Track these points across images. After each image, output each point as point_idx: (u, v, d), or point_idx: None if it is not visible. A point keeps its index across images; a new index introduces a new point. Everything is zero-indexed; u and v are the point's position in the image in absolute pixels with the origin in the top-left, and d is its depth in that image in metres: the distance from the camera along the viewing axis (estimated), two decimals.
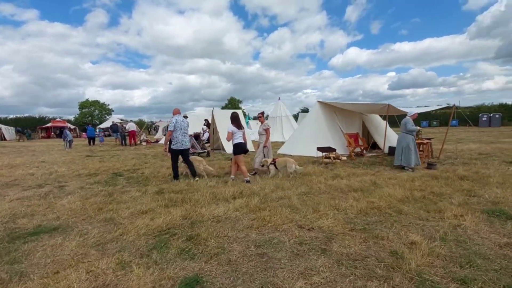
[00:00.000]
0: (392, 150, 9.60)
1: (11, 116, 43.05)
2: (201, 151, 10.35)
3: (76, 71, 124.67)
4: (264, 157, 6.84)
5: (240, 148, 5.81)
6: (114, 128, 17.31)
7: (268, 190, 5.02)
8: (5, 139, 29.08)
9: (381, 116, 11.50)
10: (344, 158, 8.98)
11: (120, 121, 31.03)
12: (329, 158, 8.58)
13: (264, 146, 6.85)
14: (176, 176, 6.12)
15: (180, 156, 6.22)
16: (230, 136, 5.81)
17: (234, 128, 5.77)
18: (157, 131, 35.13)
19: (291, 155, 10.17)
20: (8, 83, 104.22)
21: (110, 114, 48.30)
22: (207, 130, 12.98)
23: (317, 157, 8.83)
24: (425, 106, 11.88)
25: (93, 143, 17.62)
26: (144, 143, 17.16)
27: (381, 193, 4.65)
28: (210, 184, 5.58)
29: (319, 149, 8.84)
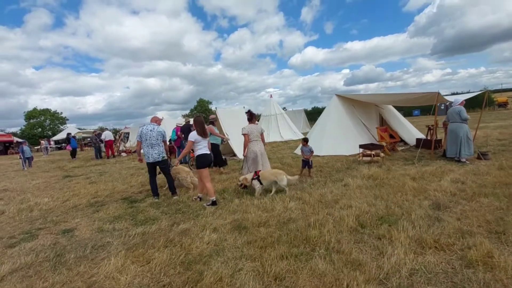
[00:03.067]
0: (419, 142, 9.05)
1: None
2: None
3: (15, 78, 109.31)
4: (247, 171, 5.44)
5: (205, 160, 4.62)
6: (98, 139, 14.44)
7: (382, 207, 3.77)
8: None
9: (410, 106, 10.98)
10: (382, 154, 8.17)
11: (77, 130, 26.85)
12: (369, 156, 7.74)
13: (244, 156, 5.54)
14: (154, 192, 5.22)
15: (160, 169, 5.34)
16: (191, 146, 4.64)
17: (197, 137, 4.55)
18: (122, 140, 31.33)
19: (319, 156, 9.06)
20: None
21: (65, 123, 41.42)
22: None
23: (359, 154, 7.83)
24: (463, 93, 11.68)
25: (75, 157, 14.89)
26: (124, 154, 14.47)
27: None
28: (279, 207, 4.13)
29: (362, 146, 7.87)
